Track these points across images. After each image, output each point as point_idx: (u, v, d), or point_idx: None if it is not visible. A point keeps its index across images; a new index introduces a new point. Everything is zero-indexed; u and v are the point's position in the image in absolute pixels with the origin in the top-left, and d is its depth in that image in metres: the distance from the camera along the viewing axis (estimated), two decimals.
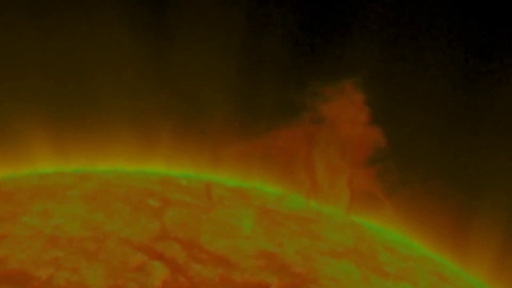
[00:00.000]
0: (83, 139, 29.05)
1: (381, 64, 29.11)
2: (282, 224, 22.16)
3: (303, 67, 28.93)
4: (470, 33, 29.53)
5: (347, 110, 26.99)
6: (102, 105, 29.79)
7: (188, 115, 29.12)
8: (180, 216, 20.63)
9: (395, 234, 26.26)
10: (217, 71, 29.14)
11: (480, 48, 29.89)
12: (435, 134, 29.54)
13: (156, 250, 18.51)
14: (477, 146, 29.27)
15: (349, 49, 28.82)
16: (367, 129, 27.26)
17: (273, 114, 26.39)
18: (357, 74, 26.52)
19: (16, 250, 18.03)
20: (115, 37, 30.91)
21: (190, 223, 20.29)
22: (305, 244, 20.70)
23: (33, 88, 29.75)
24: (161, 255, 18.28)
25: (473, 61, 29.99)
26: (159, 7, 29.21)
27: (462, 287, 23.08)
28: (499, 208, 27.66)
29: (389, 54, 29.24)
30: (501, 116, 28.41)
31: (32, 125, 28.62)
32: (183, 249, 18.74)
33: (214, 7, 28.99)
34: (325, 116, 26.82)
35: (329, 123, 26.67)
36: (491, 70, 29.69)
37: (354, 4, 28.61)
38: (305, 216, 23.63)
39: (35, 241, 18.52)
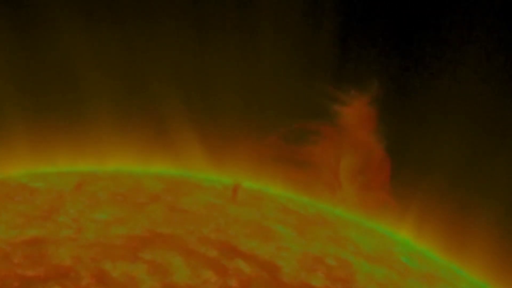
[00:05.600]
0: (95, 138, 28.93)
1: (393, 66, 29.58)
2: (308, 227, 22.44)
3: (327, 69, 29.24)
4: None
5: (361, 117, 27.40)
6: (113, 103, 29.68)
7: (204, 116, 29.19)
8: (214, 218, 20.76)
9: (408, 239, 26.77)
10: (235, 69, 29.27)
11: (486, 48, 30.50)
12: (445, 137, 30.09)
13: (200, 252, 18.61)
14: (483, 146, 29.89)
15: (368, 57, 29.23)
16: (379, 136, 27.70)
17: (292, 115, 26.66)
18: (374, 82, 26.95)
19: (61, 249, 17.95)
20: (120, 36, 30.82)
21: (225, 225, 20.42)
22: (336, 248, 21.01)
23: (44, 87, 29.52)
24: (206, 258, 18.39)
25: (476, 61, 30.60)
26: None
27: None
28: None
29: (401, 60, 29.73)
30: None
31: (49, 122, 28.39)
32: (224, 251, 18.87)
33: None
34: (341, 121, 27.20)
35: (346, 130, 27.05)
36: (493, 66, 30.31)
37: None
38: (327, 219, 23.96)
39: (77, 241, 18.46)
